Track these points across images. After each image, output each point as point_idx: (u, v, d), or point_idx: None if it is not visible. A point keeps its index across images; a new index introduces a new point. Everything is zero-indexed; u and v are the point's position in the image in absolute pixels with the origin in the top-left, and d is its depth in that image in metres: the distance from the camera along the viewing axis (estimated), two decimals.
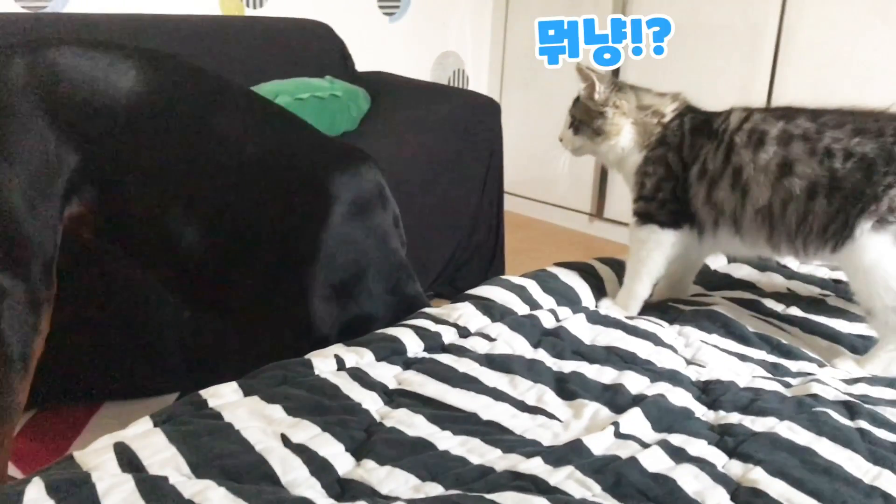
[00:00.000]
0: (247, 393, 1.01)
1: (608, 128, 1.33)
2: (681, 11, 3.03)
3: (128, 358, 1.80)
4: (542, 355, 1.16)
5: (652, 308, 1.39)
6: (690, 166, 1.29)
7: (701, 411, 1.03)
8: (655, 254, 1.33)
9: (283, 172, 1.32)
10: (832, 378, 1.12)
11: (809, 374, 1.15)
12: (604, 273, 1.45)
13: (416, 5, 3.26)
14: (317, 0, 2.94)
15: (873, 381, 1.13)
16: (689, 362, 1.18)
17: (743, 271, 1.57)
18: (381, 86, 2.65)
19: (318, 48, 2.69)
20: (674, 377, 1.10)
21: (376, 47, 3.12)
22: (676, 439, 0.93)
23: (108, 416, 1.79)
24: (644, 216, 1.34)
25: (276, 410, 0.96)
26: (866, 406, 1.02)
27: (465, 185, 2.54)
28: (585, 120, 1.35)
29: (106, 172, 1.27)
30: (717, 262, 1.60)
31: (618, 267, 1.48)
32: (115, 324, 1.76)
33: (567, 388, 1.06)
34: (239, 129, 1.33)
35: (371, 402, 1.01)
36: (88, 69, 1.25)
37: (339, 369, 1.09)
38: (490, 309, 1.26)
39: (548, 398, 1.04)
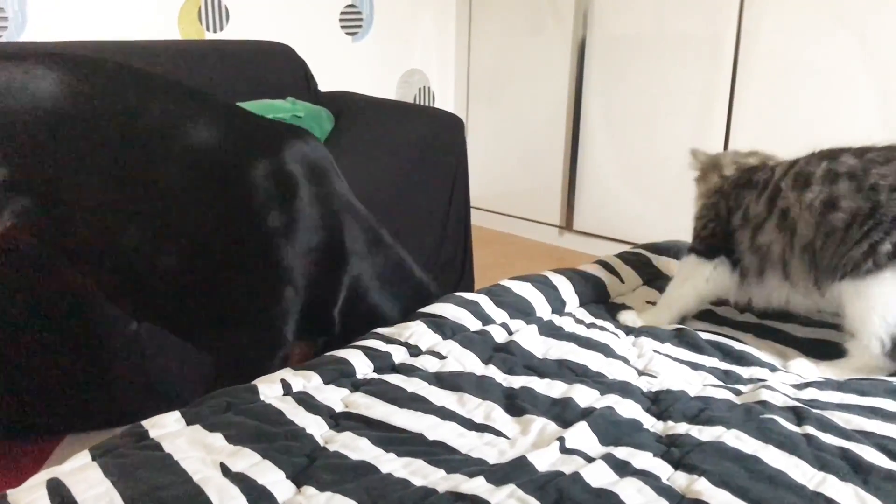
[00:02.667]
0: (189, 422, 1.00)
1: (697, 194, 1.45)
2: (645, 21, 3.07)
3: (85, 389, 1.77)
4: (492, 371, 1.15)
5: (611, 317, 1.39)
6: (734, 212, 1.33)
7: (650, 422, 1.03)
8: (688, 283, 1.38)
9: (233, 154, 1.32)
10: (782, 384, 1.12)
11: (761, 380, 1.15)
12: (559, 282, 1.44)
13: (379, 24, 3.27)
14: (278, 22, 2.94)
15: (823, 385, 1.13)
16: (640, 373, 1.18)
17: None
18: (344, 105, 2.65)
19: (280, 70, 2.68)
20: (624, 389, 1.09)
21: (340, 67, 3.13)
22: (622, 452, 0.92)
23: (70, 450, 1.76)
24: (691, 250, 1.40)
25: (217, 439, 0.95)
26: (814, 411, 1.01)
27: (430, 201, 2.54)
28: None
29: (38, 181, 1.25)
30: None
31: (573, 275, 1.48)
32: (70, 354, 1.73)
33: (516, 403, 1.05)
34: (175, 118, 1.32)
35: (316, 427, 0.99)
36: (3, 80, 1.24)
37: (285, 394, 1.08)
38: (441, 326, 1.25)
39: (496, 415, 1.03)
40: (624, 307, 1.44)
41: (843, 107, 2.68)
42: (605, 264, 1.57)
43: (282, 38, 2.75)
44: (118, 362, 1.77)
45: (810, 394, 1.09)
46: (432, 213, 2.56)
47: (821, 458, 0.91)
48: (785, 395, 1.07)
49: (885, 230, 1.15)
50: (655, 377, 1.15)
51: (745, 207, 1.31)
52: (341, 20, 3.17)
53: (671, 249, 1.66)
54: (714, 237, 1.36)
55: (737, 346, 1.26)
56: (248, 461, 0.90)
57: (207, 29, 2.79)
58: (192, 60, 2.50)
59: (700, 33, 2.93)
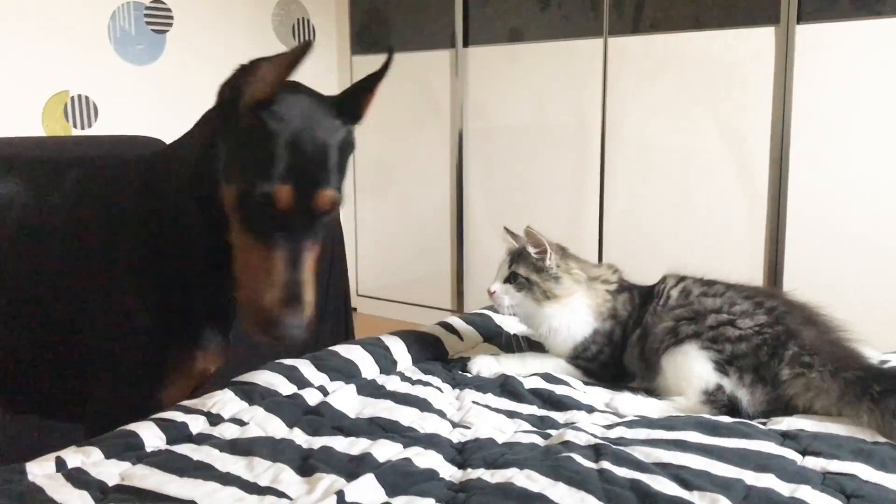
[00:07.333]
0: None
1: (560, 291, 1.32)
2: (516, 113, 3.18)
3: None
4: (295, 434, 1.08)
5: (445, 373, 1.35)
6: (631, 334, 1.32)
7: (449, 472, 0.97)
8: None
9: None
10: (592, 424, 1.09)
11: (574, 423, 1.11)
12: (390, 343, 1.40)
13: None
14: (149, 119, 2.91)
15: (633, 423, 1.10)
16: (455, 425, 1.13)
17: None
18: None
19: None
20: (431, 441, 1.04)
21: None
22: (400, 501, 0.86)
23: None
24: (583, 370, 1.34)
25: None
26: (614, 447, 0.98)
27: None
28: (536, 281, 1.34)
29: None
30: None
31: (408, 336, 1.44)
32: None
33: (309, 464, 0.98)
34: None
35: (77, 502, 0.90)
36: None
37: (57, 471, 0.98)
38: (250, 393, 1.18)
39: (284, 476, 0.96)
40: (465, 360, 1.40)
41: (703, 178, 2.78)
42: (444, 324, 1.54)
43: (154, 133, 2.71)
44: None
45: (618, 432, 1.06)
46: None
47: (609, 491, 0.87)
48: (591, 434, 1.04)
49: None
50: (469, 428, 1.11)
51: (644, 324, 1.30)
52: None
53: None
54: (609, 363, 1.33)
55: (559, 391, 1.23)
56: None
57: (74, 126, 2.74)
58: (58, 157, 2.43)
59: (569, 122, 3.04)
